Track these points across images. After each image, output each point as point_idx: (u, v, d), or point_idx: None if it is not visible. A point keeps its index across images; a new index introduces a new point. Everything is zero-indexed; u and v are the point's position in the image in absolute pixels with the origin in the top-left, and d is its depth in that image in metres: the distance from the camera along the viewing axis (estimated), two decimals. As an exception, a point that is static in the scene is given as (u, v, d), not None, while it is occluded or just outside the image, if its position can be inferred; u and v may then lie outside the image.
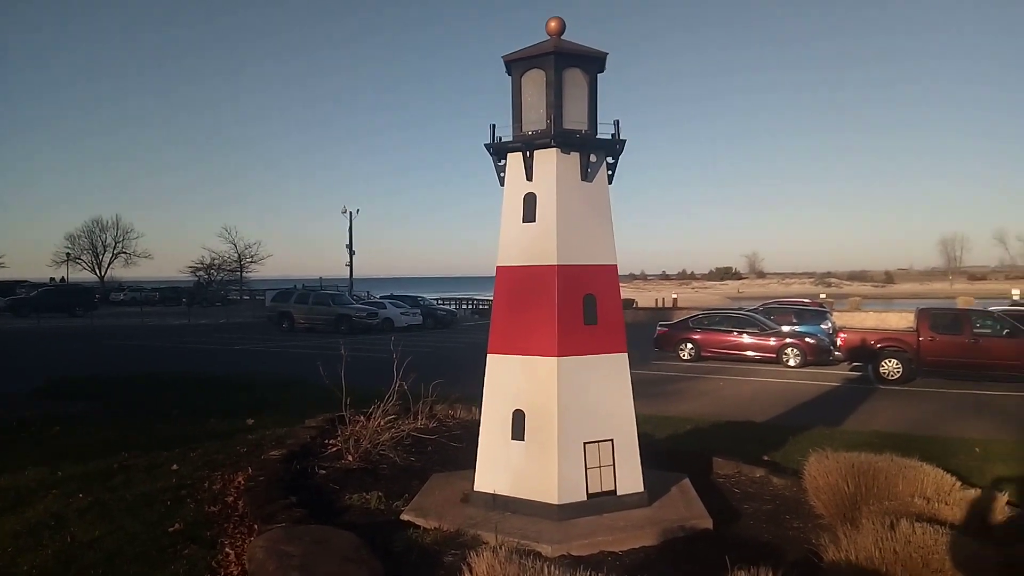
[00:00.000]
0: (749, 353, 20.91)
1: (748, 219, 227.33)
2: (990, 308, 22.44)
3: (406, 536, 5.47)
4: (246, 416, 10.64)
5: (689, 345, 21.61)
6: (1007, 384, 15.92)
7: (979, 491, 5.37)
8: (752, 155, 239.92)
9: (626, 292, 76.24)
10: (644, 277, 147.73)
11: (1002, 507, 5.14)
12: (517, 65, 6.12)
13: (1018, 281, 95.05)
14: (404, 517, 5.93)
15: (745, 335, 21.20)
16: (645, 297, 67.11)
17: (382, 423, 8.02)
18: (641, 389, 14.18)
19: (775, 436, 10.21)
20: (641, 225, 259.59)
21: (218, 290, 69.57)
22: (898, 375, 16.64)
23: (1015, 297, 43.62)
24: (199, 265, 74.50)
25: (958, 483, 5.40)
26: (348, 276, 51.01)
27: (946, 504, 4.94)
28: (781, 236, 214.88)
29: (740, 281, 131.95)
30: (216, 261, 74.46)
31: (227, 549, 5.25)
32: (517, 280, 6.18)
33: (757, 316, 22.70)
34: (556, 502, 5.70)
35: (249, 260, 75.26)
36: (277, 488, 6.44)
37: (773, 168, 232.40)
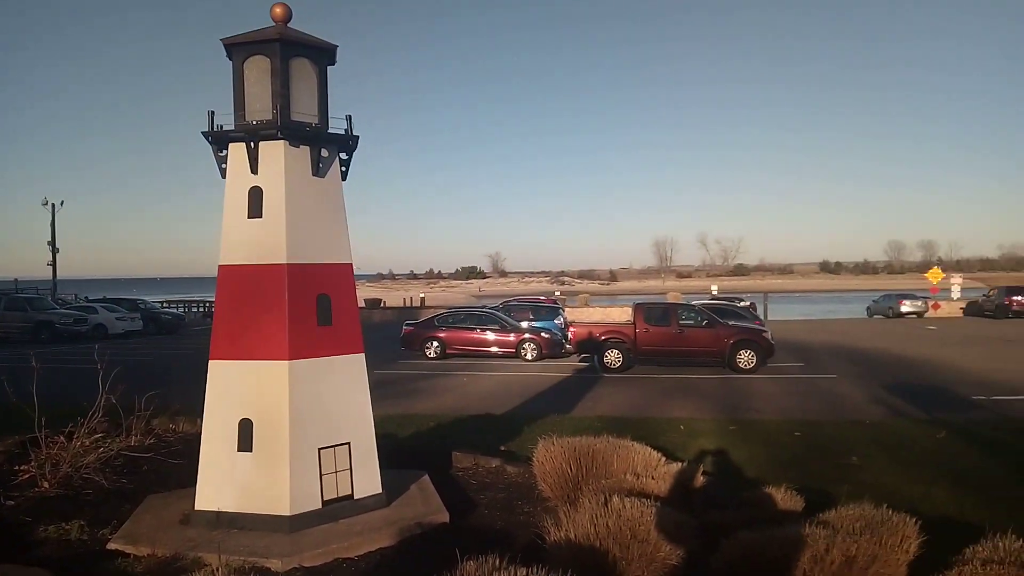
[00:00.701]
0: (491, 349, 21.78)
1: (492, 219, 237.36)
2: (693, 302, 25.66)
3: (113, 567, 4.86)
4: (-93, 447, 8.81)
5: (435, 343, 21.97)
6: (707, 368, 18.23)
7: (681, 464, 6.02)
8: (493, 157, 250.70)
9: (374, 292, 76.14)
10: (392, 276, 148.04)
11: (699, 477, 5.82)
12: (238, 50, 5.70)
13: (717, 278, 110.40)
14: (112, 546, 5.26)
15: (488, 332, 22.04)
16: (393, 297, 67.34)
17: (87, 443, 7.07)
18: (387, 388, 14.16)
19: (512, 427, 10.67)
20: (389, 224, 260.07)
21: None
22: (619, 364, 18.31)
23: (714, 292, 50.55)
24: None
25: (664, 459, 6.02)
26: (51, 277, 44.68)
27: (652, 478, 5.47)
28: (522, 236, 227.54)
29: (484, 280, 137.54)
30: None
31: None
32: (243, 279, 5.76)
33: (498, 314, 23.75)
34: (288, 513, 5.40)
35: (-78, 259, 62.84)
36: (-53, 529, 5.39)
37: (514, 170, 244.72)
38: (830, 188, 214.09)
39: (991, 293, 43.52)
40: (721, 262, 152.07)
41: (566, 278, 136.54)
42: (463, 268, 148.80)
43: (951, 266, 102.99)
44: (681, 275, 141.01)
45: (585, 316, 20.32)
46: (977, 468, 8.18)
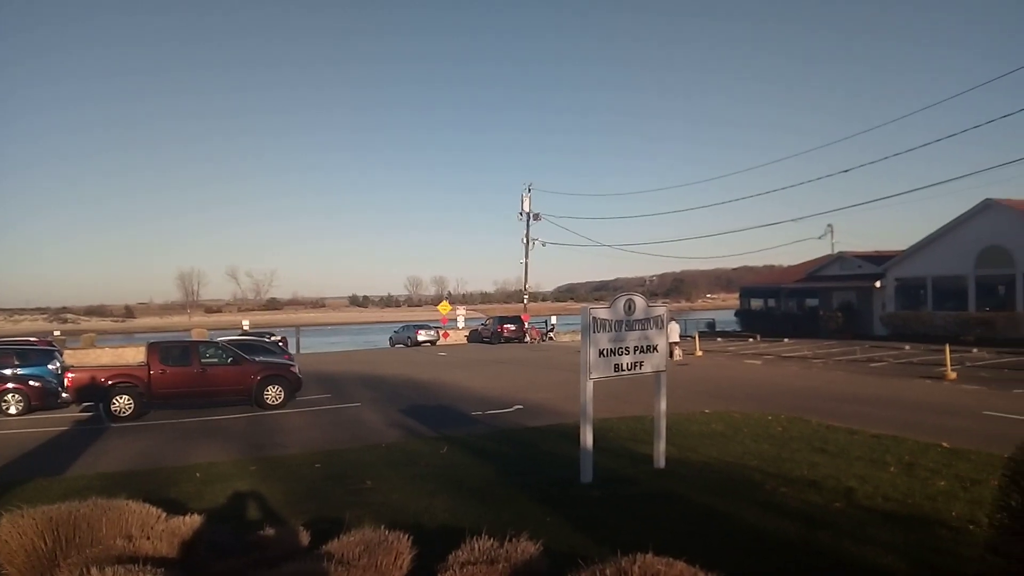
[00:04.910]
0: (-45, 406, 17.58)
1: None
2: (219, 339, 24.47)
3: None
4: None
5: None
6: (232, 408, 17.44)
7: (185, 517, 5.49)
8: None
9: None
10: None
11: (203, 528, 5.37)
12: None
13: (250, 312, 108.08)
14: None
15: (-48, 384, 17.75)
16: None
17: None
18: None
19: (-24, 501, 8.67)
20: None
21: None
22: (130, 411, 16.34)
23: (245, 327, 49.16)
24: None
25: (164, 514, 5.42)
26: None
27: (148, 539, 4.87)
28: (11, 269, 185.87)
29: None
30: None
31: None
32: None
33: (-33, 361, 19.32)
34: None
35: None
36: None
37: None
38: (358, 225, 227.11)
39: (488, 322, 51.29)
40: (254, 296, 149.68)
41: (70, 315, 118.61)
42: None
43: (458, 299, 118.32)
44: (210, 310, 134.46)
45: (92, 359, 17.77)
46: (472, 475, 9.29)
